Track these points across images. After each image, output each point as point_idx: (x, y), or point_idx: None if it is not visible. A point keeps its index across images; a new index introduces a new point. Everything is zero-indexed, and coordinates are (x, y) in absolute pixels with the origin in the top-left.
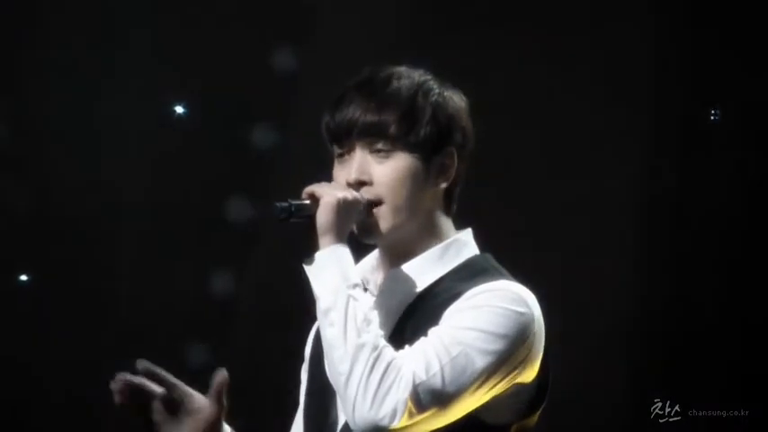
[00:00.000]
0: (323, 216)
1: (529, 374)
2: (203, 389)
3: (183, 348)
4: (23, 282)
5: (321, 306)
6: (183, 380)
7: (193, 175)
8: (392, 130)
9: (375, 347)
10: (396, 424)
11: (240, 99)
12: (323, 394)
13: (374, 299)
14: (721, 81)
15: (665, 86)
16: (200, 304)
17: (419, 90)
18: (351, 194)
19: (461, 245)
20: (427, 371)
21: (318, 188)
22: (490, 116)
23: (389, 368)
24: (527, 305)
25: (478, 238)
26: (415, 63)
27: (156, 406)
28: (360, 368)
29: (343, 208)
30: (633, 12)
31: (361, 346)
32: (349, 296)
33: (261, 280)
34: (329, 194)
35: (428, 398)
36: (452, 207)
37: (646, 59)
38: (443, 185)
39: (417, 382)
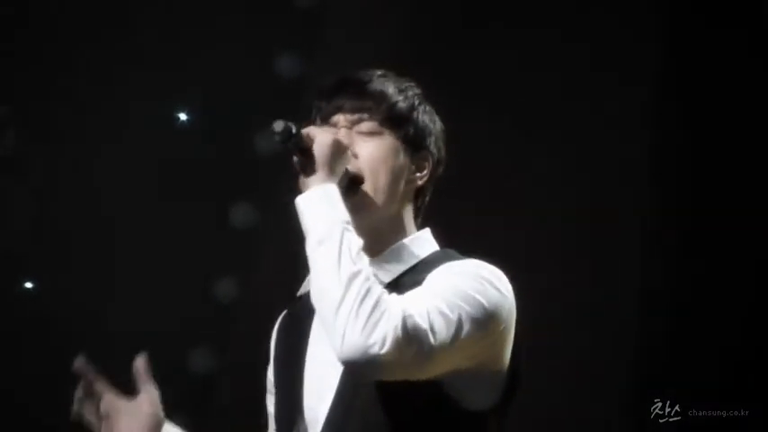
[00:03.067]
0: (319, 151)
1: (501, 353)
2: (206, 393)
3: (186, 353)
4: (28, 289)
5: (315, 237)
6: (185, 384)
7: (197, 180)
8: (383, 112)
9: (368, 278)
10: (384, 351)
11: (244, 104)
12: (289, 405)
13: None
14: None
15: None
16: (203, 309)
17: (413, 93)
18: (344, 140)
19: (423, 241)
20: (415, 308)
21: (313, 129)
22: (491, 118)
23: (381, 299)
24: (501, 281)
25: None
26: (417, 69)
27: (102, 406)
28: (353, 294)
29: (337, 149)
30: (637, 10)
31: (356, 274)
32: (344, 229)
33: (265, 285)
34: (326, 133)
35: (415, 332)
36: (420, 210)
37: (651, 66)
38: (419, 183)
39: (407, 314)
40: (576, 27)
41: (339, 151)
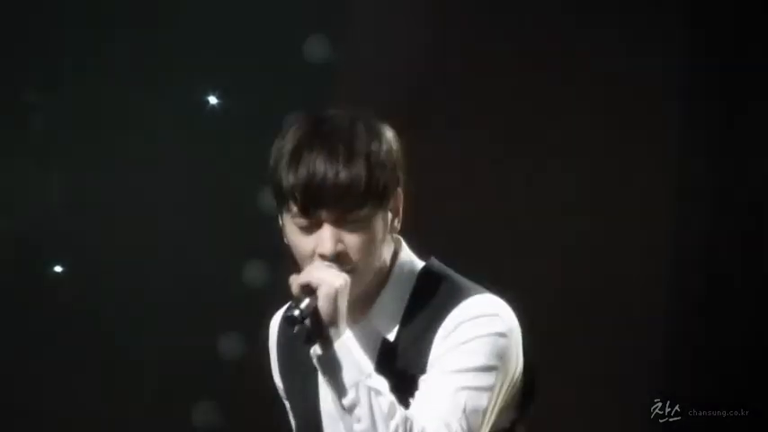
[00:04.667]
0: (326, 308)
1: (517, 383)
2: (236, 379)
3: (216, 338)
4: (57, 273)
5: (344, 403)
6: (213, 367)
7: (226, 165)
8: (367, 199)
9: (404, 424)
10: None
11: (273, 89)
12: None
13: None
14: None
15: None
16: (233, 294)
17: (373, 139)
18: (344, 279)
19: (403, 265)
20: (457, 425)
21: (311, 278)
22: (514, 107)
23: None
24: (503, 320)
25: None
26: (446, 52)
27: None
28: None
29: (341, 295)
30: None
31: None
32: (370, 389)
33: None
34: (327, 284)
35: None
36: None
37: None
38: (397, 227)
39: None
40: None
41: (343, 295)
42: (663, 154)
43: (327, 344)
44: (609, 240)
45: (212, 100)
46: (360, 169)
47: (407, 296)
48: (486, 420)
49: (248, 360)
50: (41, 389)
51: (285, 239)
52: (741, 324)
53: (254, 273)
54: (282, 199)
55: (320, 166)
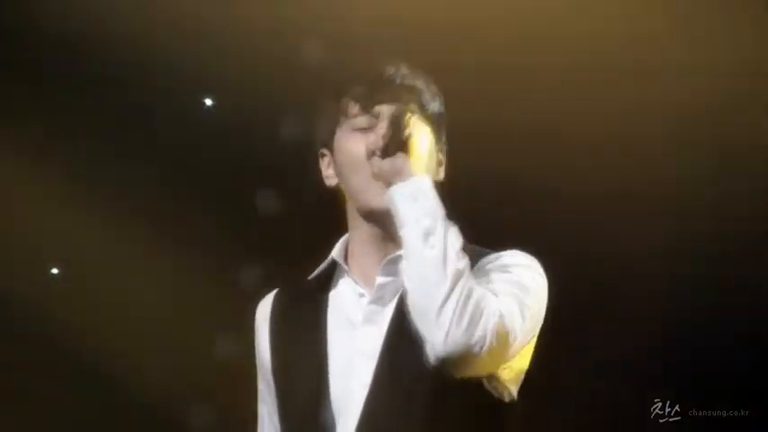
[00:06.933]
0: (424, 142)
1: (533, 344)
2: (228, 379)
3: (211, 339)
4: (54, 275)
5: (420, 230)
6: (204, 370)
7: (221, 167)
8: (424, 108)
9: (470, 276)
10: (483, 351)
11: (267, 92)
12: (309, 394)
13: (359, 288)
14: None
15: None
16: (228, 296)
17: (436, 88)
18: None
19: None
20: (504, 308)
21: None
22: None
23: (482, 297)
24: (541, 269)
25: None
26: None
27: None
28: (458, 292)
29: (432, 143)
30: None
31: (461, 272)
32: (447, 223)
33: (290, 270)
34: (423, 125)
35: (504, 334)
36: None
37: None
38: (441, 177)
39: (500, 315)
40: None
41: (426, 147)
42: (662, 154)
43: (406, 176)
44: (608, 239)
45: (207, 102)
46: (421, 85)
47: None
48: (520, 341)
49: (242, 361)
50: (32, 389)
51: (327, 180)
52: (741, 324)
53: (249, 275)
54: (339, 108)
55: (387, 69)
